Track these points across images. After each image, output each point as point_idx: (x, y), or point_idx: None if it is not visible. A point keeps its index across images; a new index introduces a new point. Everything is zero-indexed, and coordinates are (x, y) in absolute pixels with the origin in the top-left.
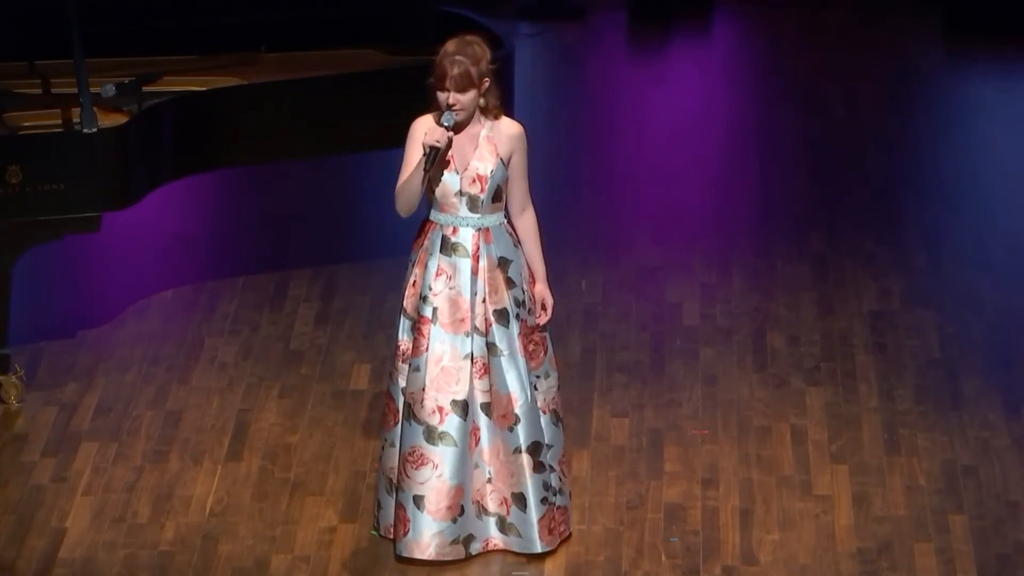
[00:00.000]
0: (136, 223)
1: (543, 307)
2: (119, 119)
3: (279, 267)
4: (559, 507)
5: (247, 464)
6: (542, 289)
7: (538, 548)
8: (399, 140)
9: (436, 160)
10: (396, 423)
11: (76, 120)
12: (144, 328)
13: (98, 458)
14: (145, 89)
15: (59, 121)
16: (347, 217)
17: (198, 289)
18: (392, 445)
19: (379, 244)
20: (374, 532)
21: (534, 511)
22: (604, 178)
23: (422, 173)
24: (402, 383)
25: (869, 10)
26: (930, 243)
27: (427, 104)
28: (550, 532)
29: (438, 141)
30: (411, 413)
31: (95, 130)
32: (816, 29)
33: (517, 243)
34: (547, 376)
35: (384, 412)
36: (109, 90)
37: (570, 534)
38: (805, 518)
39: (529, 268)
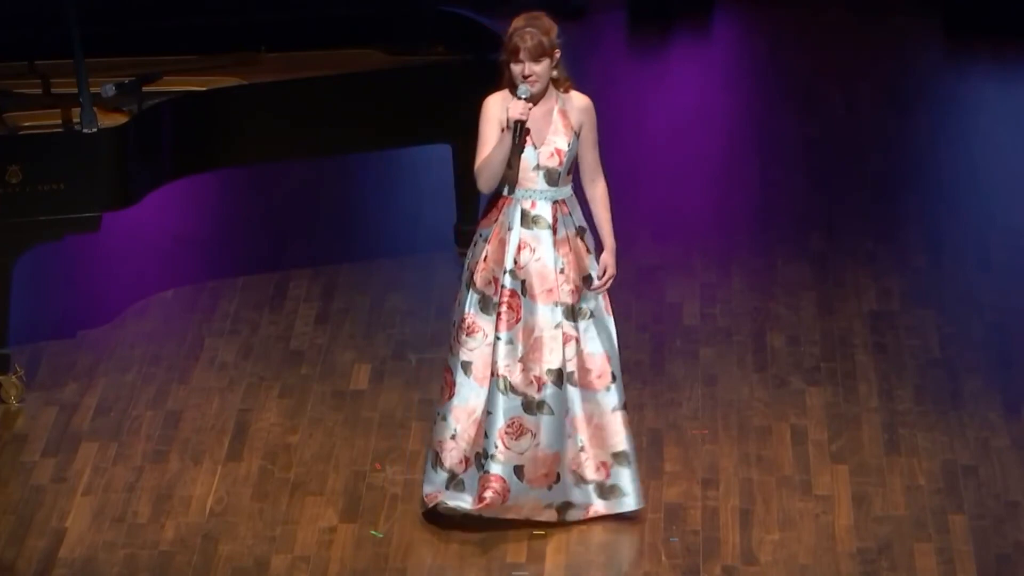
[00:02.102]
0: (136, 223)
1: (603, 275)
2: (119, 119)
3: (279, 267)
4: None
5: (247, 464)
6: (608, 258)
7: (640, 503)
8: (400, 140)
9: (522, 132)
10: (451, 396)
11: (76, 120)
12: (144, 328)
13: (98, 458)
14: (145, 89)
15: (59, 121)
16: (347, 217)
17: (198, 289)
18: (444, 419)
19: (379, 244)
20: (374, 532)
21: (635, 465)
22: (604, 177)
23: (506, 148)
24: (464, 356)
25: (869, 10)
26: (930, 243)
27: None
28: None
29: (522, 114)
30: (509, 386)
31: (95, 130)
32: (816, 29)
33: (588, 212)
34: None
35: (441, 385)
36: (109, 90)
37: None
38: (805, 518)
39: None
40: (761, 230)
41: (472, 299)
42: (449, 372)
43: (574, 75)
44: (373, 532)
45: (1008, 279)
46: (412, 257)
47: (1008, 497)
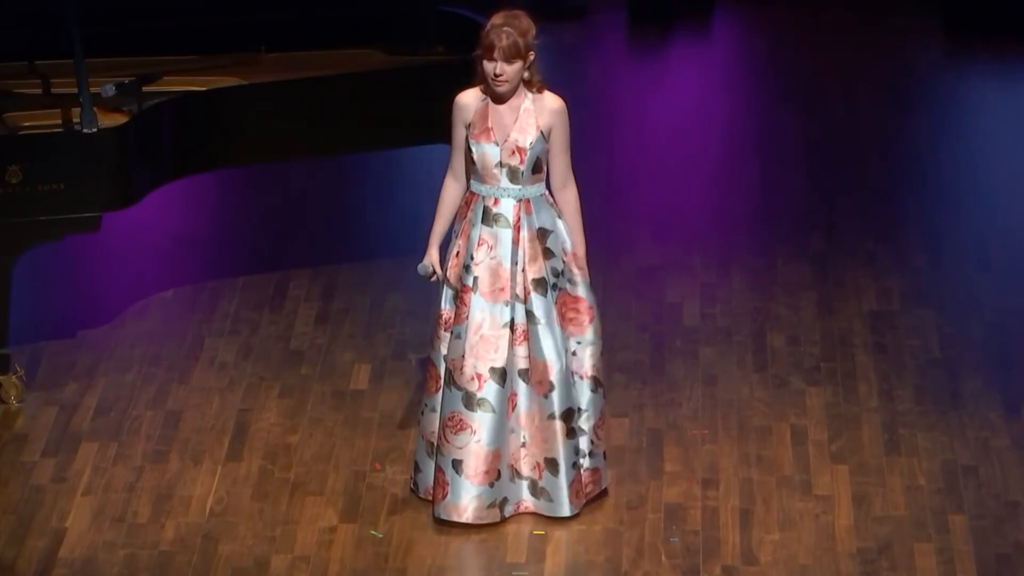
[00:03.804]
0: (136, 223)
1: (579, 268)
2: (119, 119)
3: (279, 267)
4: (588, 469)
5: (247, 464)
6: (580, 265)
7: (567, 512)
8: (399, 140)
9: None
10: (437, 389)
11: (76, 120)
12: (144, 328)
13: (98, 458)
14: (145, 89)
15: (59, 121)
16: (347, 217)
17: (198, 289)
18: (432, 410)
19: (379, 244)
20: (374, 532)
21: (564, 476)
22: (604, 178)
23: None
24: (444, 350)
25: (869, 10)
26: (930, 243)
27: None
28: (577, 495)
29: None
30: (451, 380)
31: (95, 130)
32: (816, 29)
33: (558, 214)
34: (591, 343)
35: (425, 378)
36: (109, 90)
37: (604, 491)
38: (805, 518)
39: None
40: (761, 230)
41: (447, 295)
42: (433, 365)
43: (574, 75)
44: (373, 532)
45: (1008, 279)
46: (412, 257)
47: (1008, 497)
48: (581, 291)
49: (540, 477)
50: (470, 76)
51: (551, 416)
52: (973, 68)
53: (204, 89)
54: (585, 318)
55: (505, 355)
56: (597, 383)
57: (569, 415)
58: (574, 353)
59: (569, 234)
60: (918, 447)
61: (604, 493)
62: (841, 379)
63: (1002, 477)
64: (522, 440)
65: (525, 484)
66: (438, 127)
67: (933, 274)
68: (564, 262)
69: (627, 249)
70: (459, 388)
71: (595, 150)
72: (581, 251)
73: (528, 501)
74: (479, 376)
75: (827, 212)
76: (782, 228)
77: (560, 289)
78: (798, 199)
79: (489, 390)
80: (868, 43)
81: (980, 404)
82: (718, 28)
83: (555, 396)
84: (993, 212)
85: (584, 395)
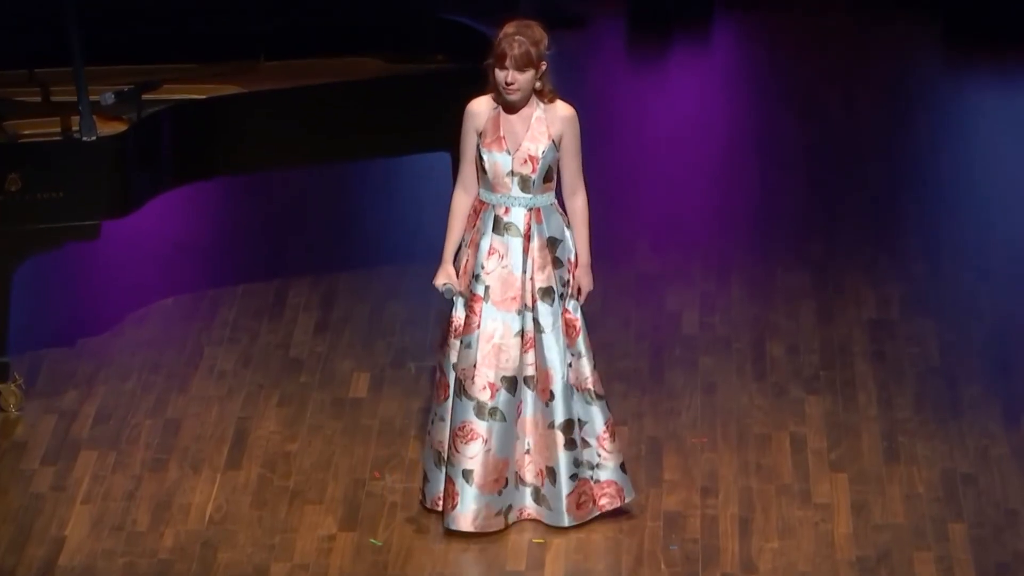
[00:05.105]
0: (136, 231)
1: (579, 291)
2: (118, 127)
3: (279, 275)
4: (597, 481)
5: (246, 472)
6: (581, 274)
7: (565, 522)
8: (399, 148)
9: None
10: (446, 398)
11: (75, 128)
12: (144, 336)
13: (97, 466)
14: (144, 97)
15: (58, 129)
16: (347, 225)
17: (198, 297)
18: (442, 419)
19: (379, 252)
20: (374, 540)
21: (564, 486)
22: (604, 185)
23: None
24: (454, 358)
25: (869, 16)
26: (929, 250)
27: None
28: (578, 507)
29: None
30: (462, 389)
31: (94, 138)
32: (816, 35)
33: (567, 224)
34: (580, 356)
35: (435, 386)
36: (108, 98)
37: (619, 508)
38: (804, 526)
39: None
40: (761, 238)
41: (459, 301)
42: (443, 374)
43: (575, 82)
44: (372, 540)
45: (1008, 287)
46: (412, 265)
47: (1007, 505)
48: (573, 303)
49: (543, 484)
50: (469, 84)
51: (551, 425)
52: (972, 73)
53: (203, 97)
54: (573, 330)
55: (516, 364)
56: (592, 394)
57: (568, 426)
58: (569, 365)
59: (575, 243)
60: (917, 455)
61: (620, 510)
62: (840, 387)
63: (1001, 486)
64: (526, 447)
65: (528, 491)
66: (438, 135)
67: (932, 282)
68: (569, 272)
69: (627, 257)
70: (470, 398)
71: (595, 157)
72: (583, 263)
73: (530, 508)
74: (491, 385)
75: (826, 219)
76: (782, 236)
77: (564, 299)
78: (798, 206)
79: (501, 399)
80: (867, 48)
81: (979, 412)
82: (718, 35)
83: (555, 405)
84: (992, 220)
85: (582, 407)
